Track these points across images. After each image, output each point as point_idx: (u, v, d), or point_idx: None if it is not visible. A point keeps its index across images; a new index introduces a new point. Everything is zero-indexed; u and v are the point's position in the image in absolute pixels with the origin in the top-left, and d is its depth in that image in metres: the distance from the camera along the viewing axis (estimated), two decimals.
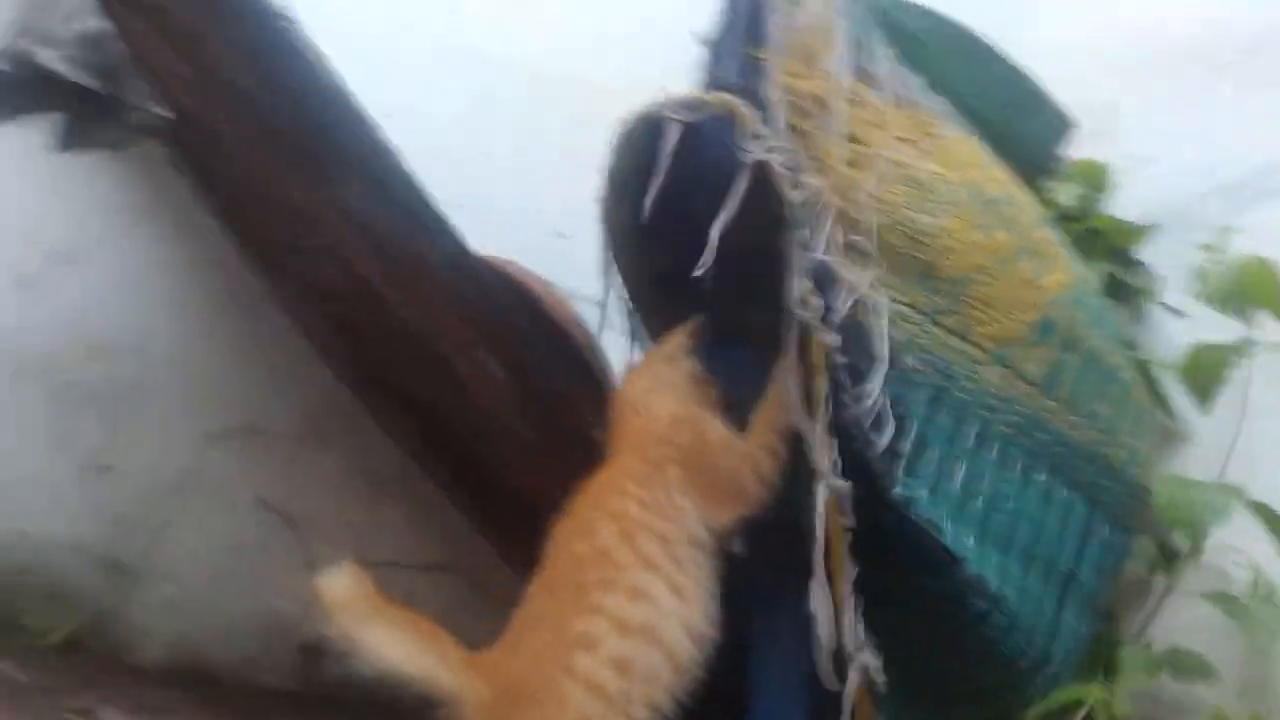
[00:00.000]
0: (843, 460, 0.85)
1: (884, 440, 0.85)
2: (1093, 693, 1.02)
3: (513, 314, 1.17)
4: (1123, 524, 1.09)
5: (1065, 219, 1.43)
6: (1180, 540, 1.19)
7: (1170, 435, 1.37)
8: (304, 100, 0.99)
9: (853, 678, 0.85)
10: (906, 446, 0.86)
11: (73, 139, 1.58)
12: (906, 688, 0.95)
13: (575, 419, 1.06)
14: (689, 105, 0.93)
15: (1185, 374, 1.26)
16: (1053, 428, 1.02)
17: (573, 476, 0.95)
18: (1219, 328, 1.26)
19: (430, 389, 1.21)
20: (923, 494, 0.87)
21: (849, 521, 0.85)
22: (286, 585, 1.60)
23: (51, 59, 1.55)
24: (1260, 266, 1.21)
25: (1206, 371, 1.25)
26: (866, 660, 0.85)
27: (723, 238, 0.87)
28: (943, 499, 0.89)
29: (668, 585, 0.89)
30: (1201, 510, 1.13)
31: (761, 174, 0.86)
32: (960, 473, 0.94)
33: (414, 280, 1.10)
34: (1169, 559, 1.25)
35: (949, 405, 0.94)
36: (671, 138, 0.91)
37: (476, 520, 1.43)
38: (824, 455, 0.86)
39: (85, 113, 1.54)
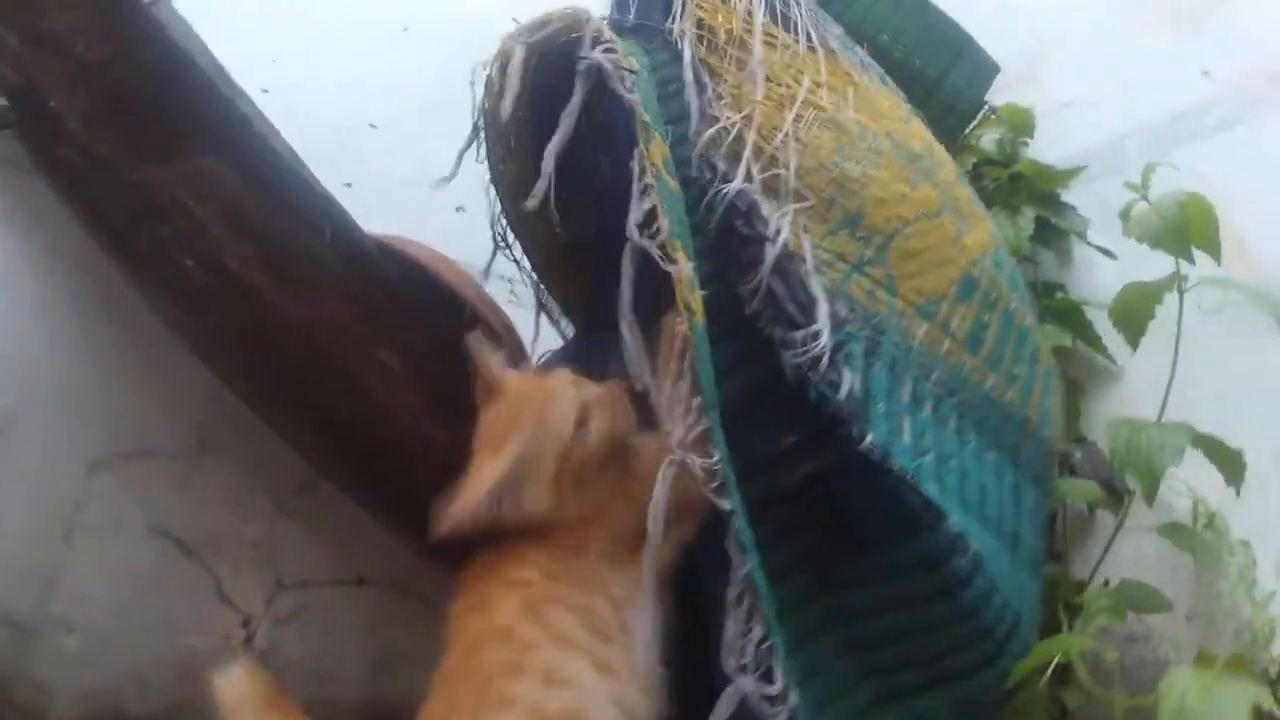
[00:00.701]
0: (796, 412, 0.78)
1: (845, 385, 0.77)
2: (1075, 643, 0.99)
3: (412, 302, 1.06)
4: (1043, 486, 1.05)
5: (991, 164, 1.43)
6: (1132, 482, 1.17)
7: (1106, 377, 1.38)
8: (149, 66, 0.87)
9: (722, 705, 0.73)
10: (859, 394, 0.78)
11: None
12: (880, 682, 0.90)
13: None
14: (535, 26, 0.84)
15: (1115, 314, 1.25)
16: (978, 387, 0.97)
17: None
18: (1147, 268, 1.25)
19: (327, 393, 1.10)
20: (892, 447, 0.79)
21: (730, 504, 0.75)
22: (197, 619, 1.54)
23: None
24: (1190, 201, 1.20)
25: (1137, 310, 1.24)
26: (747, 687, 0.73)
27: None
28: (900, 453, 0.82)
29: (590, 662, 0.77)
30: (1156, 453, 1.12)
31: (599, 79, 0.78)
32: (907, 428, 0.87)
33: (297, 272, 0.99)
34: (1117, 499, 1.25)
35: (884, 359, 0.88)
36: (517, 62, 0.82)
37: (392, 528, 1.32)
38: (679, 423, 0.76)
39: None
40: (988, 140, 1.47)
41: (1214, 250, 1.21)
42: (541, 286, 1.26)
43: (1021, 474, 1.00)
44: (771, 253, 0.79)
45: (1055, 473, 1.09)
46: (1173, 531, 1.22)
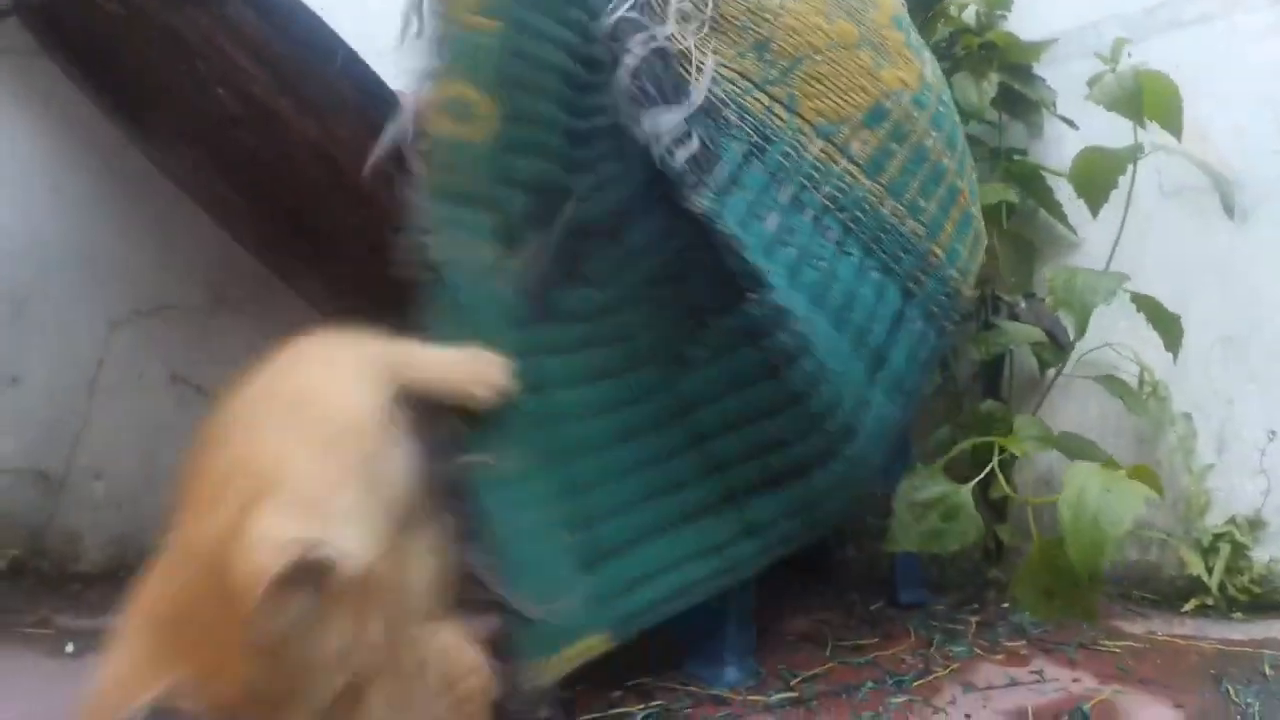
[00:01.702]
0: (637, 175, 0.84)
1: (682, 154, 0.82)
2: (1011, 443, 1.07)
3: None
4: (936, 322, 1.05)
5: (965, 32, 1.46)
6: (1070, 324, 1.22)
7: (1063, 244, 1.41)
8: None
9: None
10: (711, 174, 0.84)
11: None
12: (720, 480, 0.94)
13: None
14: None
15: (1074, 177, 1.29)
16: (871, 209, 0.99)
17: None
18: (1108, 138, 1.29)
19: (341, 212, 1.17)
20: (726, 216, 0.85)
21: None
22: None
23: None
24: (1154, 78, 1.24)
25: (1097, 174, 1.28)
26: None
27: None
28: (752, 235, 0.87)
29: None
30: (1089, 293, 1.17)
31: None
32: (772, 221, 0.91)
33: (313, 96, 1.07)
34: (1059, 350, 1.32)
35: (765, 162, 0.92)
36: None
37: None
38: None
39: None
40: (967, 13, 1.48)
41: (1172, 125, 1.23)
42: None
43: (911, 303, 1.02)
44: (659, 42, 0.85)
45: (961, 313, 1.10)
46: (1111, 384, 1.26)
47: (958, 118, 1.16)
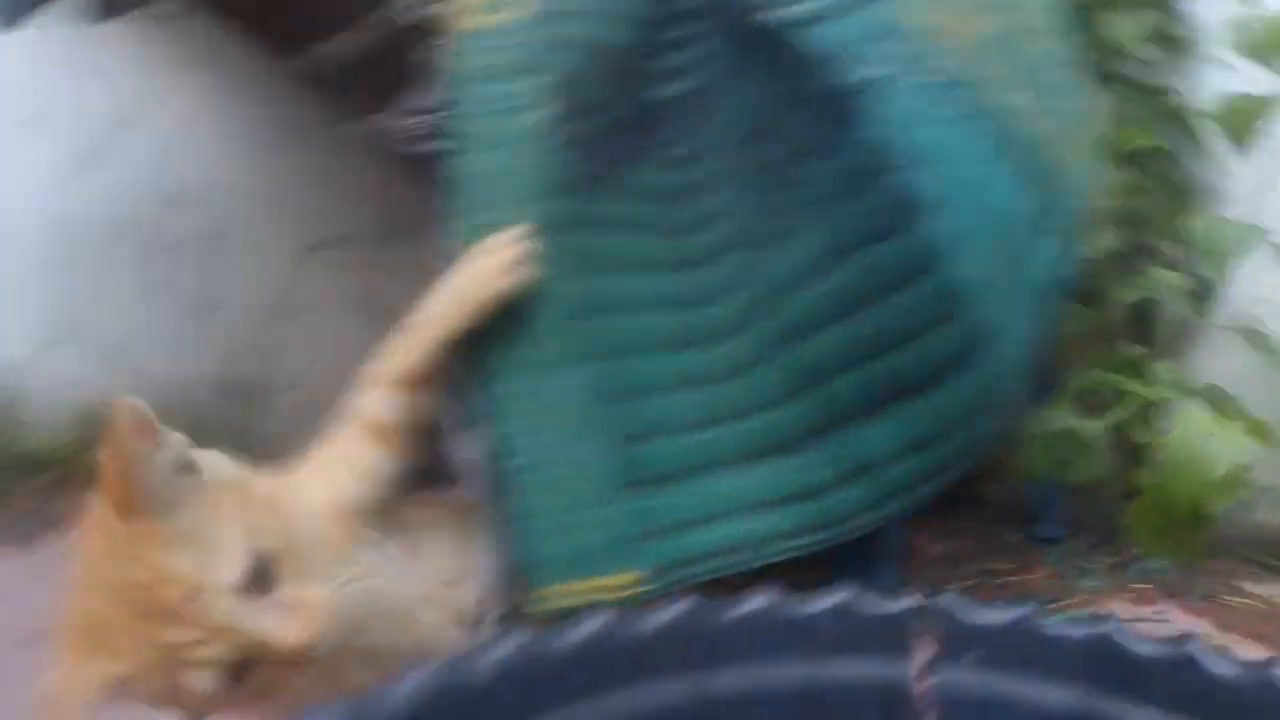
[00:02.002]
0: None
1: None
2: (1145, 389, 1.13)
3: None
4: (1068, 241, 0.93)
5: None
6: (1210, 271, 1.25)
7: (1211, 186, 1.42)
8: None
9: None
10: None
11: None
12: (817, 395, 0.74)
13: None
14: None
15: (1221, 120, 1.29)
16: (1024, 127, 0.83)
17: None
18: (1257, 82, 1.27)
19: None
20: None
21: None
22: None
23: None
24: None
25: (1241, 119, 1.28)
26: None
27: None
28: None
29: None
30: (1228, 243, 1.19)
31: None
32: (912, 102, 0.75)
33: None
34: (1205, 300, 1.33)
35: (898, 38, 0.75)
36: None
37: None
38: None
39: None
40: None
41: None
42: None
43: (1045, 216, 0.84)
44: None
45: (1083, 238, 1.01)
46: (1252, 336, 1.28)
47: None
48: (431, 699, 0.51)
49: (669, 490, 0.73)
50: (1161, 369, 1.24)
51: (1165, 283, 1.32)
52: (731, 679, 0.58)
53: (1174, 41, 1.44)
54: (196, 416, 1.80)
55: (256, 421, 1.88)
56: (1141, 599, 1.18)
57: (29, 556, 1.40)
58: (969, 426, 0.77)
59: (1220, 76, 1.40)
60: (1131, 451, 1.32)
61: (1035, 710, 0.56)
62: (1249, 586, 1.25)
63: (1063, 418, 1.19)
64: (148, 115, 1.81)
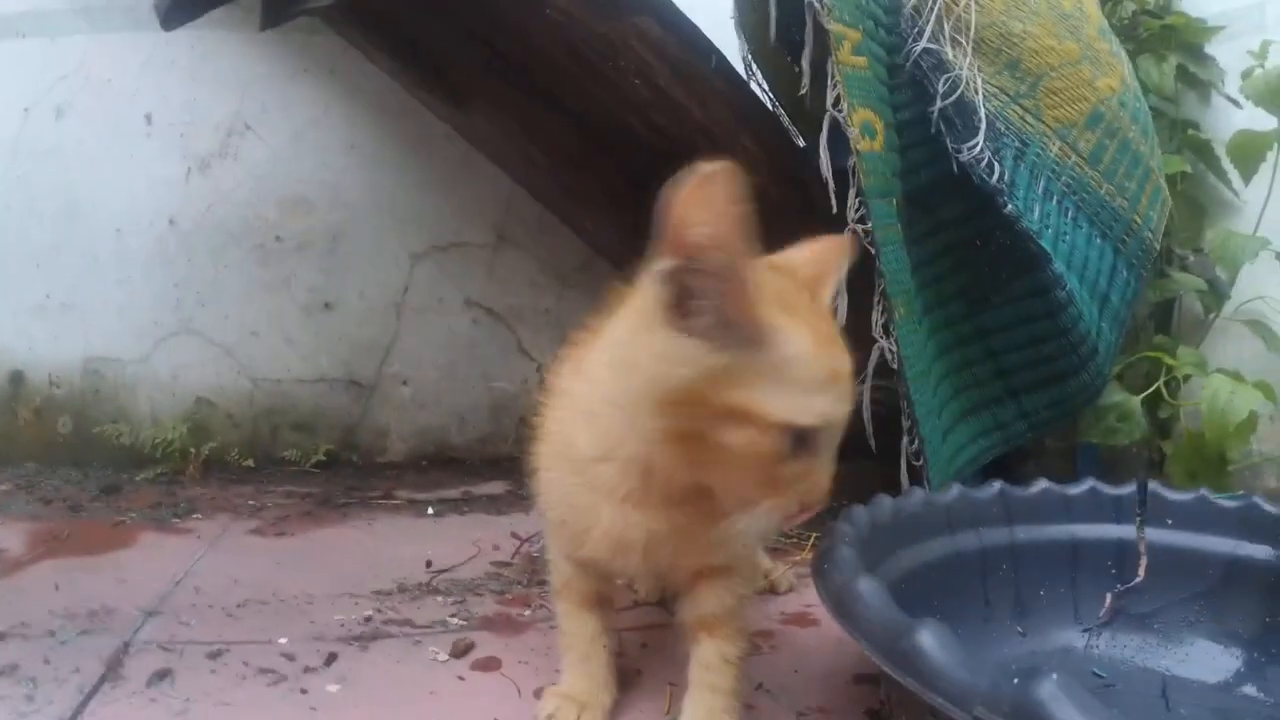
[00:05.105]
0: (963, 194, 1.22)
1: (996, 175, 1.16)
2: (1176, 365, 1.43)
3: (762, 109, 1.53)
4: (1136, 271, 1.39)
5: (1146, 14, 1.69)
6: (1224, 275, 1.53)
7: (1227, 203, 1.68)
8: None
9: None
10: (1005, 182, 1.17)
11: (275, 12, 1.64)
12: (1007, 380, 1.36)
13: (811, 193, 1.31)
14: None
15: (1231, 151, 1.57)
16: (1094, 190, 1.31)
17: None
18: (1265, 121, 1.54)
19: None
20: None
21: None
22: (503, 369, 2.03)
23: None
24: None
25: (1247, 152, 1.57)
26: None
27: None
28: (1029, 222, 1.21)
29: None
30: (1238, 251, 1.49)
31: None
32: (1038, 209, 1.25)
33: (698, 87, 1.39)
34: (1217, 296, 1.61)
35: (1026, 163, 1.25)
36: None
37: None
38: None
39: None
40: None
41: None
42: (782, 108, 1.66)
43: (1121, 259, 1.35)
44: (950, 84, 1.17)
45: (1153, 263, 1.44)
46: (1257, 327, 1.55)
47: (1145, 105, 1.43)
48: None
49: (950, 436, 1.33)
50: (1185, 353, 1.48)
51: (1186, 284, 1.57)
52: (1024, 534, 1.05)
53: (1198, 83, 1.69)
54: (309, 414, 1.95)
55: (368, 415, 1.99)
56: None
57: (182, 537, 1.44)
58: (1080, 396, 1.41)
59: (1233, 115, 1.66)
60: (1157, 423, 1.57)
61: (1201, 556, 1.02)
62: None
63: (1107, 394, 1.43)
64: (268, 121, 1.88)
